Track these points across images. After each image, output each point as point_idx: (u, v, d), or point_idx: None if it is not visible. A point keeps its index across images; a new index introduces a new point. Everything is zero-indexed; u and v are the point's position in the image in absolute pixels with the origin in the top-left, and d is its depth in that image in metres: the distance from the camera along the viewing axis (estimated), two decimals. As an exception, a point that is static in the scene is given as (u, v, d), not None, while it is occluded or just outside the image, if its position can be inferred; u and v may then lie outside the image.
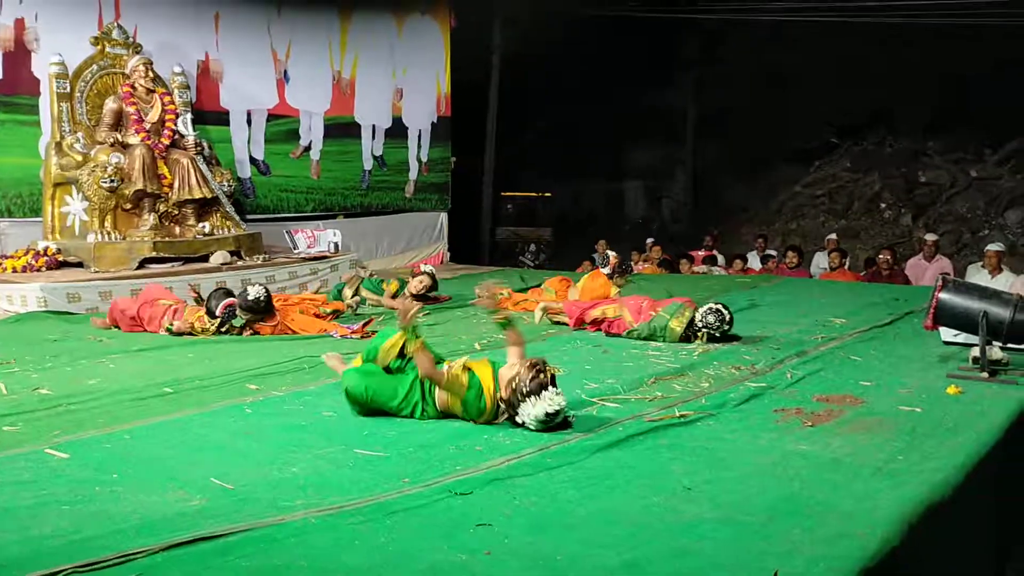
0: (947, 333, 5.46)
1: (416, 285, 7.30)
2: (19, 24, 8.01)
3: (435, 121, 11.94)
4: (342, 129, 10.77)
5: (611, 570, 2.30)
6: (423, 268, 7.62)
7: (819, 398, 4.22)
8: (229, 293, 6.17)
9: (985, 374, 4.58)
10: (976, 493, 3.22)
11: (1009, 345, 4.76)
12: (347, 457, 3.29)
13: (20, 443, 3.51)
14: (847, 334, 5.92)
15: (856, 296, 7.82)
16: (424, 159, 11.86)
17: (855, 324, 6.26)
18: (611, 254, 7.49)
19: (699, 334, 5.58)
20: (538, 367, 3.60)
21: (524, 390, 3.53)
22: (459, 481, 2.97)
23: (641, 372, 4.77)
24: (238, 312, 5.88)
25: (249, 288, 5.96)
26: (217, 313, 5.89)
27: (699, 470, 3.15)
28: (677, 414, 3.89)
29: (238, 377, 4.61)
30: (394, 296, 7.19)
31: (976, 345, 4.79)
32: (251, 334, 5.95)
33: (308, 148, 10.45)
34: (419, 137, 11.76)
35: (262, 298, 5.86)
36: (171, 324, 5.93)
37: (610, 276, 7.14)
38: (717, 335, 5.59)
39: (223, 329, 5.90)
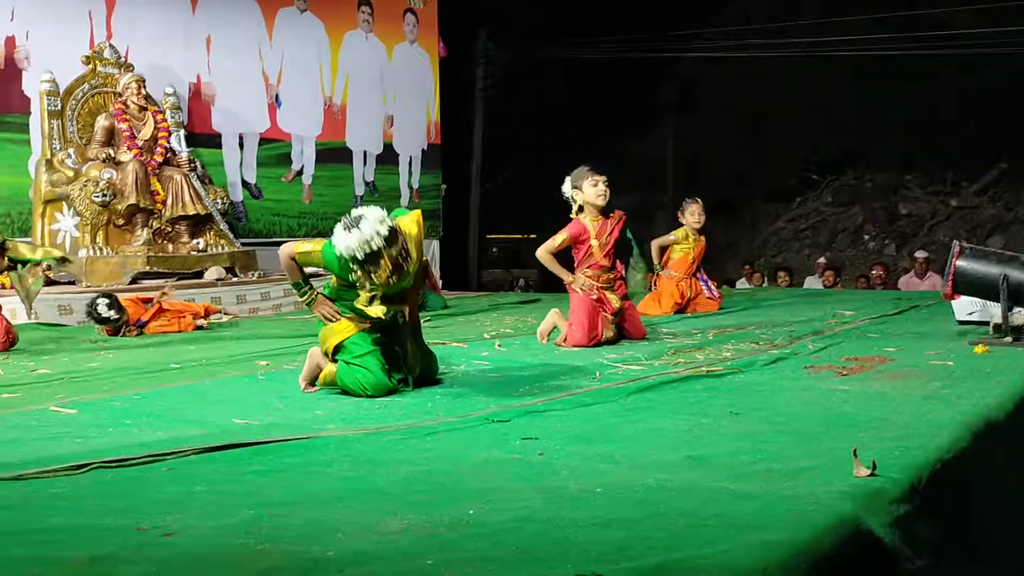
0: (961, 312, 5.40)
1: None
2: (10, 42, 7.95)
3: (425, 148, 11.95)
4: (334, 154, 10.73)
5: (674, 464, 2.16)
6: None
7: (847, 358, 4.12)
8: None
9: (1009, 339, 4.50)
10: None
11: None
12: (373, 404, 3.14)
13: (22, 404, 3.32)
14: (858, 320, 5.85)
15: (858, 298, 7.79)
16: (415, 186, 11.84)
17: (864, 314, 6.20)
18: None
19: None
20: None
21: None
22: (496, 413, 2.82)
23: (660, 346, 4.66)
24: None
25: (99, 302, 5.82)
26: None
27: (743, 401, 3.02)
28: (705, 370, 3.78)
29: (246, 356, 4.45)
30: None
31: (994, 319, 4.75)
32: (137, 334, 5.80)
33: (300, 172, 10.39)
34: (410, 164, 11.75)
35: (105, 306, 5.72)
36: None
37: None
38: None
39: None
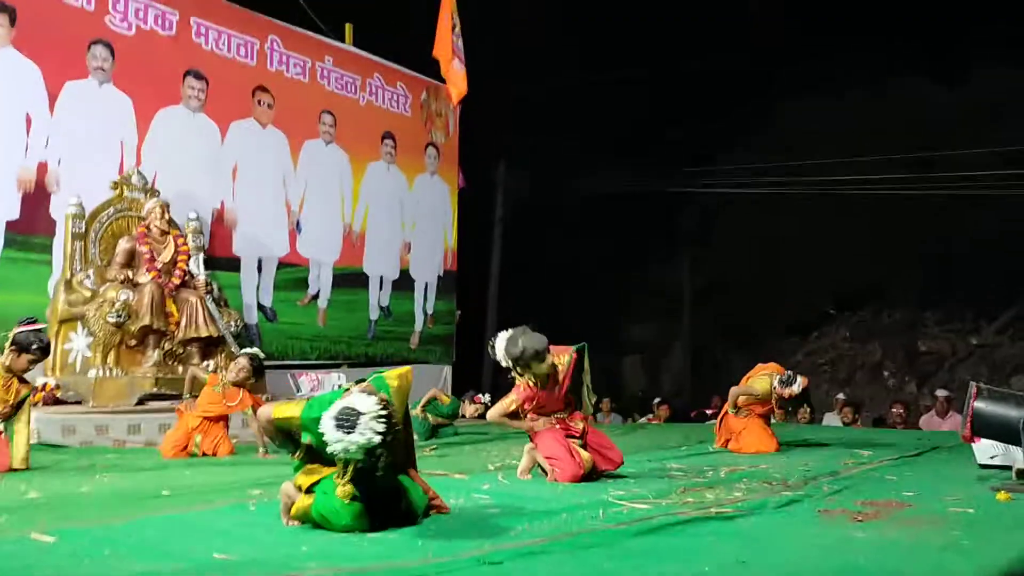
0: (983, 455, 5.22)
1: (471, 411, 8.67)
2: (42, 167, 8.23)
3: (441, 275, 12.11)
4: (350, 279, 10.88)
5: (672, 618, 2.02)
6: (482, 399, 8.92)
7: (863, 503, 3.94)
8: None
9: (1033, 485, 4.32)
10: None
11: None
12: (362, 540, 3.01)
13: (4, 530, 3.22)
14: (876, 461, 5.67)
15: (878, 437, 7.60)
16: (430, 311, 11.91)
17: (883, 455, 6.01)
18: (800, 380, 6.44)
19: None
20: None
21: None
22: (489, 554, 2.69)
23: (669, 483, 4.51)
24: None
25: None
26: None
27: (750, 548, 2.87)
28: (714, 511, 3.62)
29: (240, 484, 4.34)
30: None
31: (1017, 463, 4.59)
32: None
33: (316, 296, 10.49)
34: (425, 289, 11.87)
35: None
36: None
37: (785, 404, 6.45)
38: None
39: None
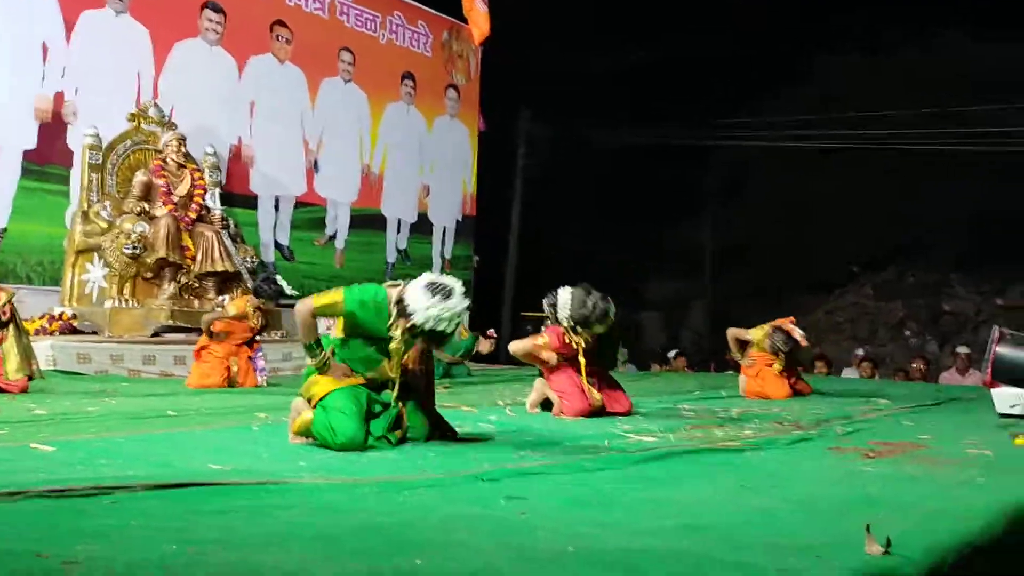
0: (1002, 404, 5.08)
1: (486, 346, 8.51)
2: (59, 97, 8.18)
3: (459, 219, 12.00)
4: (368, 221, 10.80)
5: (665, 530, 1.95)
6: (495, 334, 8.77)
7: (876, 443, 3.85)
8: None
9: (1054, 432, 4.19)
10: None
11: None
12: (360, 457, 2.97)
13: (4, 440, 3.21)
14: (893, 408, 5.56)
15: (897, 388, 7.47)
16: (447, 256, 11.83)
17: (900, 403, 5.90)
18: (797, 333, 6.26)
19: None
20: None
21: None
22: (486, 472, 2.63)
23: (678, 421, 4.44)
24: None
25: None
26: None
27: (757, 477, 2.79)
28: (721, 445, 3.54)
29: (247, 408, 4.32)
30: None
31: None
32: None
33: (333, 237, 10.44)
34: (443, 234, 11.78)
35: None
36: None
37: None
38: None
39: None
